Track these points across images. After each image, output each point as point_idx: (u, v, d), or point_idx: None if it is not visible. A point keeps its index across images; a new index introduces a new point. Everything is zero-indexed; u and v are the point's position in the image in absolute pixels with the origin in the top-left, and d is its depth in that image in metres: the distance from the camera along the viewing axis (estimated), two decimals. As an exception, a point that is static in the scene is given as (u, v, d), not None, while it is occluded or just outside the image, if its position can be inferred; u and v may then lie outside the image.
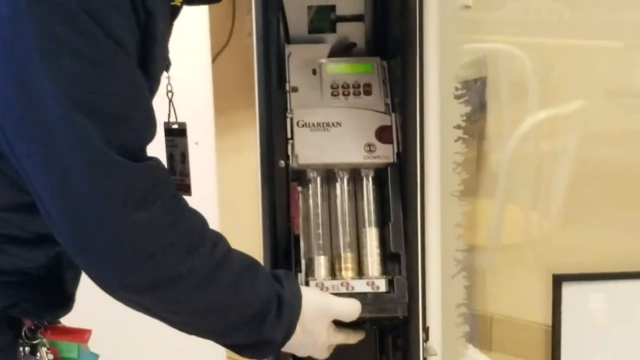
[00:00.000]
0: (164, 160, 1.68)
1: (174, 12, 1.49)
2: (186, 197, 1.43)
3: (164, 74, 1.59)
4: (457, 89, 1.88)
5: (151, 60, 1.38)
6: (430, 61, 1.68)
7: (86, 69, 1.27)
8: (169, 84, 1.69)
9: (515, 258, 2.38)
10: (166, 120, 1.72)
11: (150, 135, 1.38)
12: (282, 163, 1.62)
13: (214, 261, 1.40)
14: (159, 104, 1.54)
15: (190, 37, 2.34)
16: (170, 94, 1.70)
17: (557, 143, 2.47)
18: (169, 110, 1.72)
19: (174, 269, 1.36)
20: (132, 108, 1.33)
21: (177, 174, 1.72)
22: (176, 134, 1.72)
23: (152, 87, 1.44)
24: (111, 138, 1.29)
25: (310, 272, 1.58)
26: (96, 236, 1.31)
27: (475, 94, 2.40)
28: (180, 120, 1.73)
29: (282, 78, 1.68)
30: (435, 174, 1.71)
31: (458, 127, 1.87)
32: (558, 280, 2.12)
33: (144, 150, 1.36)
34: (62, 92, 1.25)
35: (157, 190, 1.34)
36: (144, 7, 1.33)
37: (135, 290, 1.36)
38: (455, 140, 1.86)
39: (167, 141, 1.73)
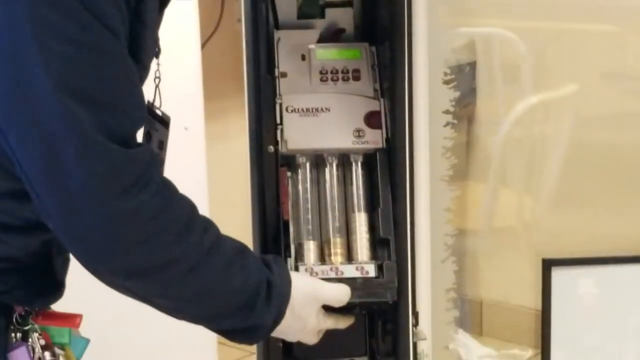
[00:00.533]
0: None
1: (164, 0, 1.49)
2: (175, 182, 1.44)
3: (154, 60, 1.60)
4: (446, 74, 1.87)
5: (141, 47, 1.39)
6: (419, 46, 1.67)
7: (77, 53, 1.27)
8: (157, 70, 1.69)
9: (505, 242, 2.39)
10: (150, 100, 1.72)
11: (139, 121, 1.38)
12: (271, 148, 1.62)
13: (205, 246, 1.41)
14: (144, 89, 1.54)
15: (179, 23, 2.34)
16: (157, 80, 1.70)
17: (550, 126, 2.47)
18: (154, 95, 1.72)
19: (165, 254, 1.36)
20: (122, 94, 1.33)
21: None
22: (158, 120, 1.72)
23: (142, 74, 1.44)
24: (101, 123, 1.29)
25: (299, 257, 1.58)
26: (86, 221, 1.31)
27: (464, 78, 2.40)
28: (166, 107, 1.72)
29: (271, 64, 1.67)
30: (424, 158, 1.70)
31: (447, 112, 1.86)
32: (547, 265, 2.12)
33: (133, 137, 1.37)
34: (52, 76, 1.26)
35: (146, 176, 1.34)
36: None
37: (126, 275, 1.37)
38: (445, 125, 1.86)
39: (146, 119, 1.72)
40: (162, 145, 1.70)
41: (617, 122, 2.40)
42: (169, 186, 1.40)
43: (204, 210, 1.46)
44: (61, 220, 1.32)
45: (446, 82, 1.88)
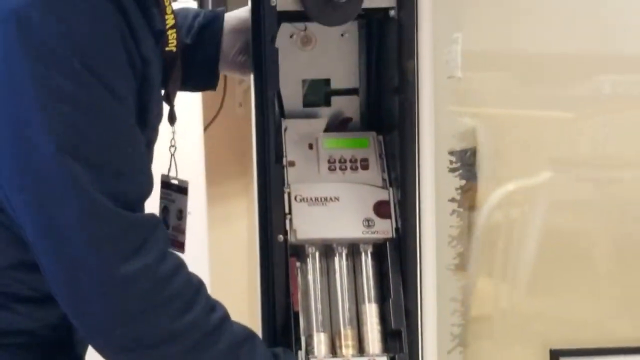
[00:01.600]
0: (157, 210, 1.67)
1: (172, 58, 1.49)
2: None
3: (170, 128, 1.63)
4: (451, 162, 1.88)
5: (149, 109, 1.40)
6: (426, 134, 1.67)
7: (80, 115, 1.27)
8: (172, 138, 1.69)
9: (506, 331, 2.37)
10: (165, 173, 1.72)
11: (145, 188, 1.38)
12: (280, 238, 1.60)
13: (209, 325, 1.38)
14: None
15: (181, 106, 2.35)
16: (173, 149, 1.71)
17: (524, 213, 2.46)
18: (170, 165, 1.72)
19: (167, 328, 1.34)
20: (127, 159, 1.34)
21: (170, 228, 1.71)
22: (174, 190, 1.72)
23: (151, 136, 1.45)
24: (103, 185, 1.29)
25: (310, 349, 1.56)
26: (85, 286, 1.30)
27: (465, 164, 2.40)
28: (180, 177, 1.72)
29: (279, 152, 1.67)
30: (431, 248, 1.70)
31: (453, 200, 1.86)
32: (555, 356, 2.11)
33: (138, 201, 1.36)
34: (54, 136, 1.26)
35: (151, 241, 1.33)
36: (140, 55, 1.35)
37: (127, 347, 1.34)
38: (451, 214, 1.86)
39: (162, 193, 1.72)
40: (182, 215, 1.69)
41: (573, 209, 2.39)
42: (175, 258, 1.38)
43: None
44: (61, 284, 1.31)
45: (452, 170, 1.88)
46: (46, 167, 1.27)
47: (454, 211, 1.86)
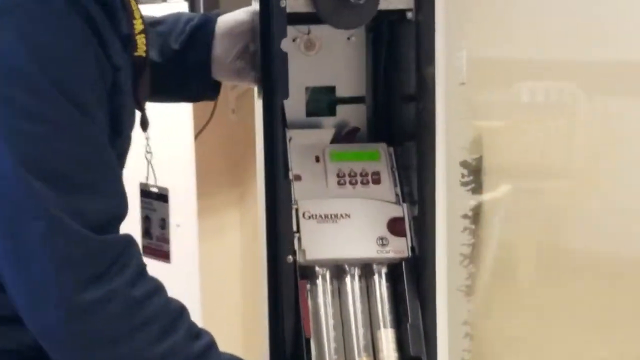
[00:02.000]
0: (138, 221, 1.61)
1: (141, 64, 1.43)
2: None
3: (143, 134, 1.55)
4: (463, 175, 1.81)
5: (121, 116, 1.35)
6: (440, 146, 1.59)
7: (45, 133, 1.23)
8: (147, 144, 1.61)
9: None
10: (143, 181, 1.66)
11: (116, 207, 1.30)
12: (290, 259, 1.50)
13: (192, 353, 1.31)
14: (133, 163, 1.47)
15: (171, 114, 2.27)
16: (149, 155, 1.64)
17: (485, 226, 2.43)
18: (148, 172, 1.65)
19: (142, 354, 1.28)
20: (95, 176, 1.28)
21: (153, 238, 1.65)
22: (154, 198, 1.66)
23: (124, 146, 1.39)
24: (71, 205, 1.23)
25: (324, 379, 1.47)
26: (50, 311, 1.23)
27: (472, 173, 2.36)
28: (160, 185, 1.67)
29: (286, 166, 1.57)
30: (443, 268, 1.62)
31: (465, 216, 1.79)
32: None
33: (110, 224, 1.29)
34: (16, 155, 1.21)
35: (121, 262, 1.26)
36: (110, 63, 1.31)
37: None
38: (462, 231, 1.79)
39: (143, 202, 1.67)
40: (164, 224, 1.64)
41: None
42: (152, 281, 1.31)
43: (196, 308, 1.36)
44: (27, 308, 1.25)
45: (464, 184, 1.82)
46: (7, 186, 1.22)
47: (465, 228, 1.80)
